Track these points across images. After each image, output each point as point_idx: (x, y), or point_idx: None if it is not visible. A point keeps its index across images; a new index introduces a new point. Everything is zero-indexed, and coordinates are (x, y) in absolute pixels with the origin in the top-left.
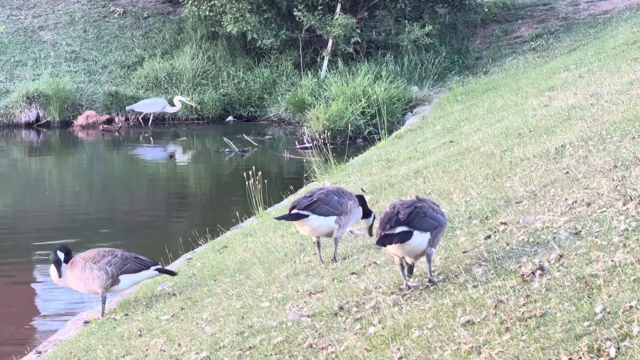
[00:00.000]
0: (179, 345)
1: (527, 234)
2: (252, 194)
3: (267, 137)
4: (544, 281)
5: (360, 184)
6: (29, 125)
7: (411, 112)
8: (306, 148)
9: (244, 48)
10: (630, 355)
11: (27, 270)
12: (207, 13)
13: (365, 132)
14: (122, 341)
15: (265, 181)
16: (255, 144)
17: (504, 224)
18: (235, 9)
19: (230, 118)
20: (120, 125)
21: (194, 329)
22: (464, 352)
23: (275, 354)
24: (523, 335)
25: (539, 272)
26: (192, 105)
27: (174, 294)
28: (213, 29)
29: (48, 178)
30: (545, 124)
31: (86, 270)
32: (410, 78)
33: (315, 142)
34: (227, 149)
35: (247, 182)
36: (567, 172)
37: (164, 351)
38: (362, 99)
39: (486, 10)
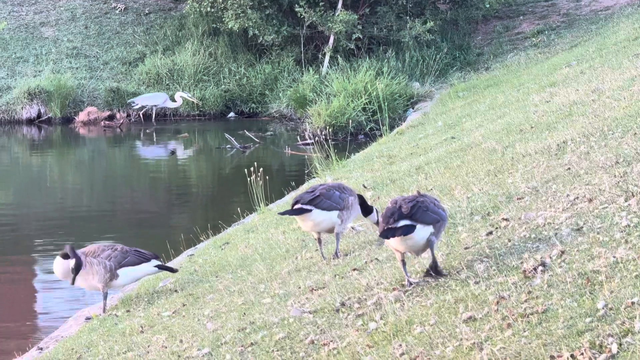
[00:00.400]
0: (181, 341)
1: (528, 230)
2: (254, 190)
3: (269, 133)
4: (545, 277)
5: (362, 180)
6: (30, 122)
7: (412, 108)
8: (307, 144)
9: (245, 44)
10: (632, 351)
11: (28, 266)
12: (209, 9)
13: (367, 128)
14: (124, 337)
15: (267, 177)
16: (256, 140)
17: (506, 220)
18: (236, 5)
19: (231, 114)
20: (121, 121)
21: (196, 325)
22: (466, 348)
23: (277, 350)
24: (525, 331)
25: (540, 268)
26: (193, 102)
27: (176, 290)
28: (214, 25)
29: (49, 174)
30: (546, 120)
31: (86, 265)
32: (412, 74)
33: (316, 138)
34: (229, 145)
35: (248, 179)
36: (569, 168)
37: (166, 347)
38: (364, 95)
39: (487, 6)
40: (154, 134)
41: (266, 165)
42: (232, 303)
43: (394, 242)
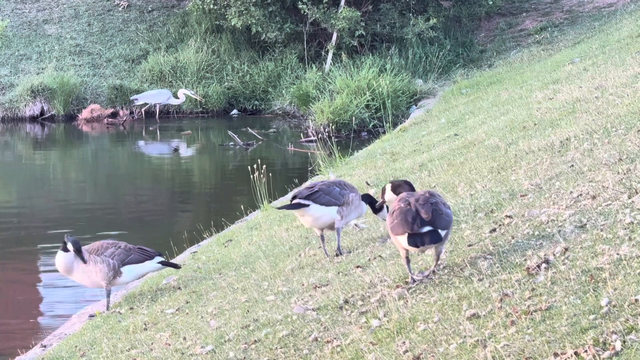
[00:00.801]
0: (184, 338)
1: (532, 227)
2: (257, 188)
3: (272, 130)
4: (549, 274)
5: (365, 177)
6: (33, 119)
7: (416, 105)
8: (311, 141)
9: (248, 41)
10: (636, 348)
11: (31, 264)
12: (212, 6)
13: (370, 126)
14: (127, 335)
15: (270, 174)
16: (259, 137)
17: (509, 217)
18: (239, 3)
19: (234, 111)
20: (124, 118)
21: (199, 323)
22: (470, 345)
23: (281, 348)
24: (528, 328)
25: (544, 265)
26: (197, 99)
27: (179, 288)
28: (217, 23)
29: (52, 172)
30: (550, 117)
31: (90, 263)
32: (415, 71)
33: (319, 135)
34: (232, 143)
35: (251, 176)
36: (572, 165)
37: (169, 345)
38: (367, 92)
39: (490, 3)
40: (157, 131)
41: (269, 162)
42: (235, 300)
43: (413, 246)
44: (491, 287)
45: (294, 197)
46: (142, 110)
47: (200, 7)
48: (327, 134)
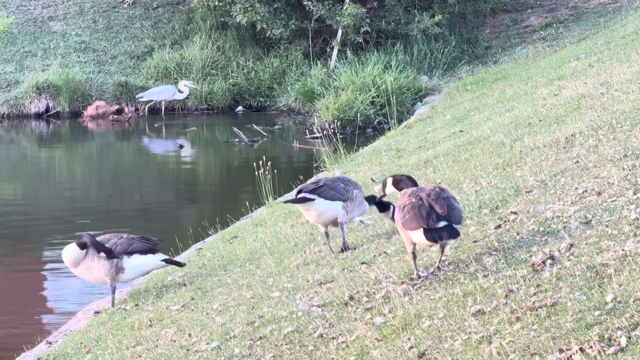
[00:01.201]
0: (190, 335)
1: (537, 224)
2: (262, 184)
3: (277, 127)
4: (554, 270)
5: (370, 174)
6: (38, 116)
7: (421, 102)
8: (316, 138)
9: (253, 38)
10: None
11: (37, 260)
12: (217, 3)
13: (375, 122)
14: (133, 331)
15: (275, 171)
16: (264, 133)
17: (514, 213)
18: None
19: (239, 108)
20: (129, 115)
21: (205, 319)
22: (475, 341)
23: (286, 344)
24: (534, 324)
25: (549, 261)
26: (197, 89)
27: (184, 284)
28: (222, 19)
29: (58, 168)
30: (555, 113)
31: (94, 258)
32: (420, 68)
33: (324, 131)
34: (237, 139)
35: (256, 172)
36: (577, 162)
37: (175, 341)
38: (372, 89)
39: None
40: (163, 127)
41: (274, 159)
42: (240, 297)
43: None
44: (496, 283)
45: (299, 192)
46: (146, 107)
47: (205, 3)
48: (332, 130)
